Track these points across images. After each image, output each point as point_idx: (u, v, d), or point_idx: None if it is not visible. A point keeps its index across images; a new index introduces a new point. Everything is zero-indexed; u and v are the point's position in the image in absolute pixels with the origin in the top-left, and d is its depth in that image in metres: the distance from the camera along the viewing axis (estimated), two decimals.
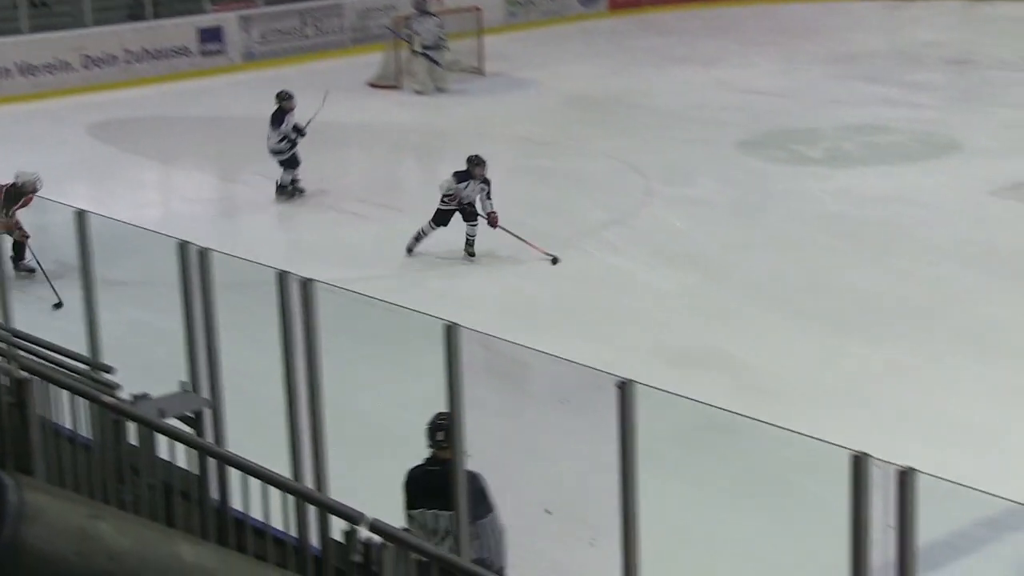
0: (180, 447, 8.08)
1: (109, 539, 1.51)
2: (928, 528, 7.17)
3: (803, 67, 31.56)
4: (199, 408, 8.93)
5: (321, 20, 34.05)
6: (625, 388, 7.63)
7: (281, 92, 21.78)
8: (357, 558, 7.32)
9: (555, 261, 17.97)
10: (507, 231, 18.01)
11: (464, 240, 18.62)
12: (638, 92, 29.01)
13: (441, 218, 18.52)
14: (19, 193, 17.22)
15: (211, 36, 32.44)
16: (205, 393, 9.05)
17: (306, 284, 8.37)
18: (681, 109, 27.45)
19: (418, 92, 29.12)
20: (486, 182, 18.48)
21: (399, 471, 9.21)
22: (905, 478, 6.80)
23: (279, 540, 8.00)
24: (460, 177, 18.36)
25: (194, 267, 8.81)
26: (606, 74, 30.81)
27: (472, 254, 18.62)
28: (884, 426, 13.00)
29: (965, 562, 9.88)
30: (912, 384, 14.71)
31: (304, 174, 21.91)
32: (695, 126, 25.95)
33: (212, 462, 8.34)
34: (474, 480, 8.46)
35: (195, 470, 8.32)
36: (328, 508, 7.88)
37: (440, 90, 28.99)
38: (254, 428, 9.06)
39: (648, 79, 30.21)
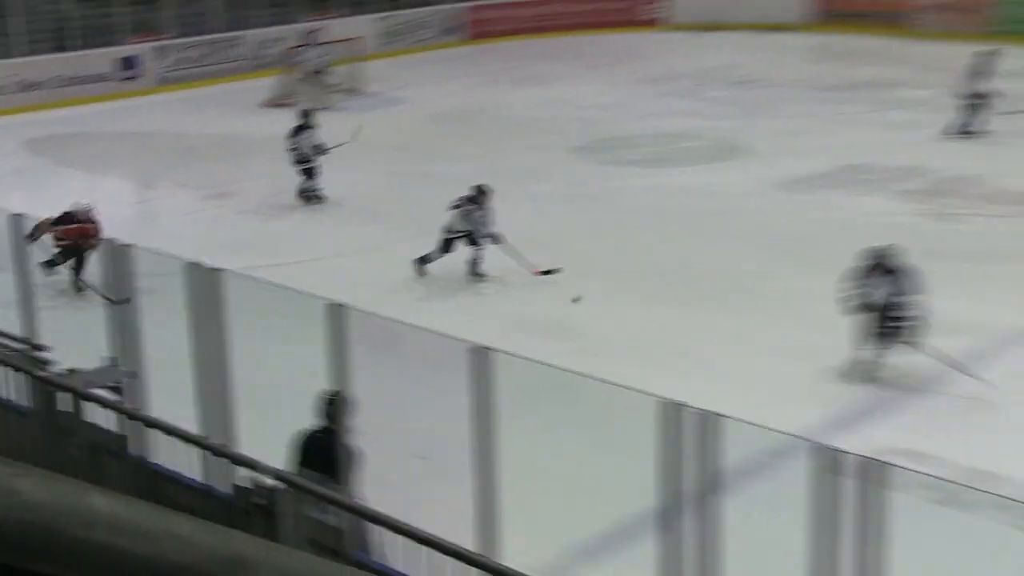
0: (106, 412, 8.05)
1: (27, 494, 1.43)
2: (729, 459, 7.22)
3: (625, 86, 31.80)
4: (122, 379, 8.85)
5: (224, 50, 33.93)
6: (479, 353, 7.61)
7: (306, 110, 21.83)
8: (260, 501, 7.25)
9: (550, 272, 17.08)
10: (522, 262, 17.11)
11: (471, 263, 17.38)
12: (492, 107, 29.10)
13: (447, 245, 17.37)
14: (69, 217, 16.60)
15: (129, 64, 32.34)
16: (128, 366, 8.98)
17: (214, 272, 8.35)
18: (527, 121, 27.56)
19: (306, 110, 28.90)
20: (487, 209, 17.44)
21: (290, 431, 9.17)
22: (706, 419, 6.84)
23: (194, 488, 7.91)
24: (469, 201, 17.43)
25: (117, 261, 8.76)
26: (466, 92, 30.83)
27: (480, 276, 17.34)
28: (693, 377, 13.11)
29: (754, 484, 9.97)
30: (714, 342, 14.91)
31: (213, 180, 21.82)
32: (539, 135, 25.99)
33: (134, 424, 8.31)
34: (348, 448, 8.49)
35: (120, 431, 8.28)
36: (234, 459, 7.79)
37: (326, 107, 28.83)
38: (174, 395, 8.96)
39: (500, 96, 30.26)
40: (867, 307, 13.45)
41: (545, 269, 17.06)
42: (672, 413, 6.85)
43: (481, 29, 38.72)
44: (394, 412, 9.94)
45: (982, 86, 25.35)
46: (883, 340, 13.44)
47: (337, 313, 7.57)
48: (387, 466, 9.16)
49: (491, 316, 15.68)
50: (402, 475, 9.97)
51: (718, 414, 6.86)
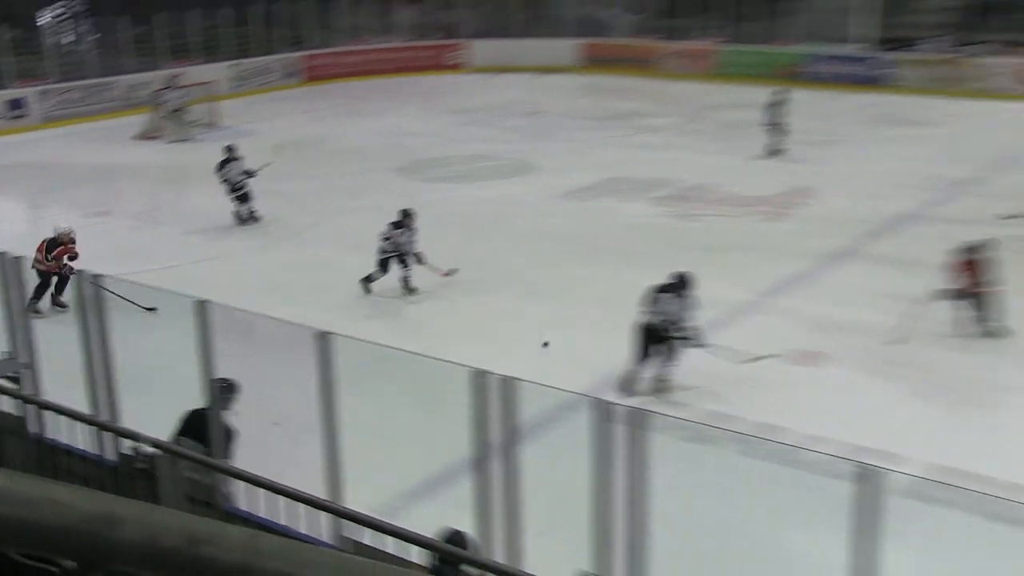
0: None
1: None
2: (527, 415, 7.24)
3: (435, 118, 31.76)
4: (19, 370, 8.64)
5: (100, 92, 33.01)
6: (322, 337, 7.52)
7: (230, 146, 20.61)
8: (142, 466, 7.08)
9: (450, 273, 16.44)
10: (428, 265, 16.30)
11: (403, 280, 16.37)
12: (326, 136, 28.81)
13: (383, 264, 16.26)
14: (57, 242, 15.69)
15: (16, 105, 31.21)
16: (24, 358, 8.75)
17: (96, 278, 8.20)
18: (356, 147, 27.33)
19: (171, 141, 28.51)
20: (413, 230, 16.34)
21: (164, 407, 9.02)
22: (507, 384, 6.85)
23: (86, 458, 7.73)
24: (396, 226, 16.33)
25: (11, 271, 8.55)
26: (304, 125, 30.48)
27: (412, 290, 16.34)
28: (500, 351, 13.15)
29: (546, 433, 10.01)
30: (516, 319, 15.01)
31: (94, 200, 21.25)
32: (367, 159, 25.80)
33: (31, 408, 8.15)
34: (227, 426, 8.48)
35: (19, 414, 8.14)
36: (119, 432, 7.63)
37: (185, 139, 28.45)
38: (66, 381, 8.74)
39: (333, 128, 30.00)
40: (655, 325, 12.79)
41: (448, 271, 16.50)
42: (480, 380, 6.85)
43: (315, 73, 38.37)
44: (252, 388, 9.76)
45: (777, 116, 25.92)
46: (668, 352, 12.84)
47: (202, 308, 7.46)
48: (250, 433, 9.01)
49: (328, 305, 15.53)
50: (263, 440, 9.79)
51: (516, 378, 6.87)
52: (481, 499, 7.19)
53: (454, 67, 40.38)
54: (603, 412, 6.64)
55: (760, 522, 10.08)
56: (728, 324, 14.62)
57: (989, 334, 14.00)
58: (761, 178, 23.66)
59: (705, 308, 15.22)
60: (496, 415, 7.03)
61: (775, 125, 25.81)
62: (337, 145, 27.97)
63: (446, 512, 7.93)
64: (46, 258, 15.53)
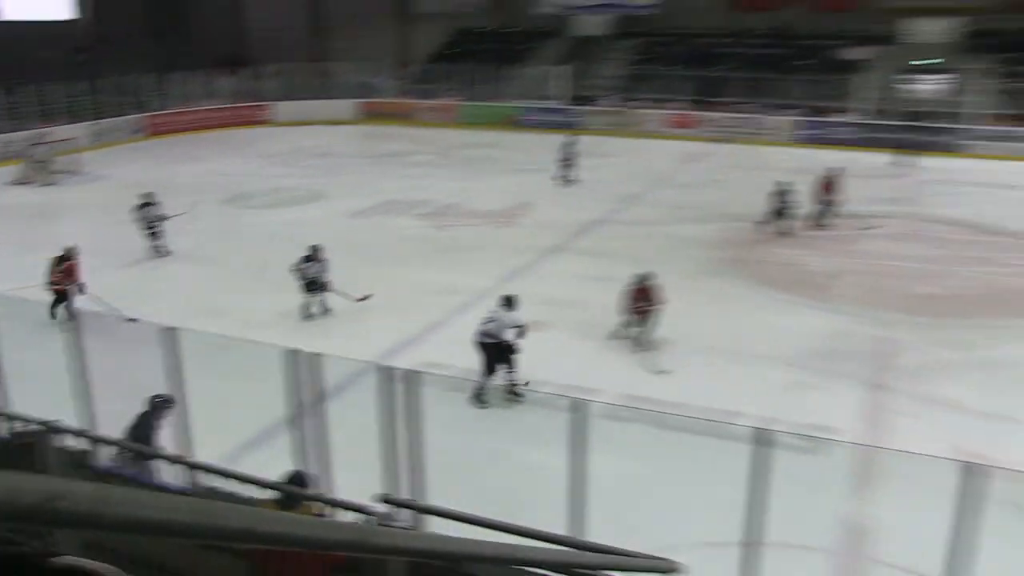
0: None
1: None
2: (330, 380, 7.15)
3: (249, 160, 30.55)
4: None
5: None
6: (167, 332, 7.26)
7: (148, 193, 18.30)
8: (29, 440, 6.67)
9: (364, 298, 14.69)
10: (338, 292, 14.49)
11: (320, 306, 14.55)
12: (165, 177, 27.36)
13: (308, 288, 14.31)
14: (63, 258, 14.08)
15: None
16: None
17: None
18: (189, 184, 25.98)
19: (40, 185, 26.48)
20: (323, 261, 14.43)
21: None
22: (312, 357, 6.79)
23: None
24: (306, 260, 14.34)
25: None
26: (148, 170, 28.75)
27: (327, 310, 14.57)
28: (312, 336, 12.86)
29: (346, 394, 9.86)
30: (325, 312, 14.65)
31: None
32: (197, 192, 24.58)
33: None
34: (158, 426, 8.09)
35: None
36: (7, 415, 7.18)
37: (52, 184, 26.64)
38: None
39: (171, 171, 28.50)
40: (491, 340, 11.36)
41: (362, 296, 14.73)
42: (291, 356, 6.77)
43: (157, 129, 36.41)
44: (113, 377, 9.28)
45: (569, 156, 25.91)
46: (508, 361, 11.40)
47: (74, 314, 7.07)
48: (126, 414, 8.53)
49: (174, 306, 14.83)
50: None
51: (318, 353, 6.82)
52: (297, 447, 7.11)
53: (263, 122, 39.26)
54: (385, 374, 6.66)
55: (505, 444, 10.28)
56: (475, 305, 14.80)
57: (645, 344, 13.13)
58: (494, 197, 24.01)
59: (460, 294, 15.40)
60: (306, 380, 6.96)
61: (566, 162, 25.89)
62: (173, 183, 26.66)
63: (277, 456, 7.78)
64: (55, 271, 14.06)
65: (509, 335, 11.20)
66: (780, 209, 19.83)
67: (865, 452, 9.84)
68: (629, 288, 13.24)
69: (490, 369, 11.30)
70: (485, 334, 11.29)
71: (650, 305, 13.09)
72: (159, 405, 8.13)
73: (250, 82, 40.24)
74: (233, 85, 40.01)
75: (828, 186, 20.79)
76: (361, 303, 14.66)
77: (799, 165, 29.78)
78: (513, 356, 11.34)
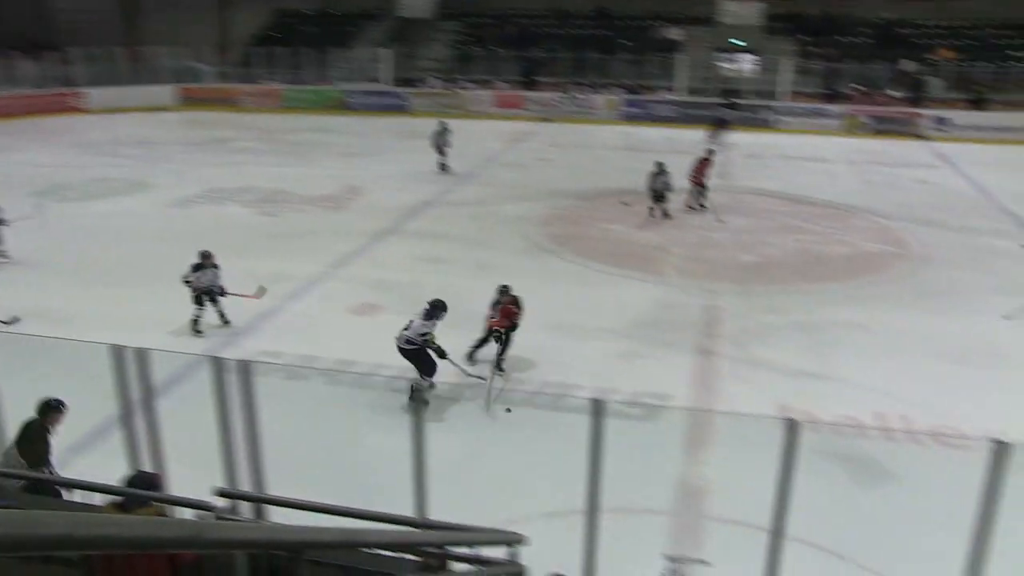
0: None
1: None
2: (159, 376, 6.84)
3: (64, 151, 28.64)
4: None
5: None
6: (120, 350, 6.81)
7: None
8: None
9: (259, 294, 13.48)
10: (234, 294, 13.07)
11: (219, 314, 13.12)
12: None
13: (197, 299, 12.76)
14: None
15: None
16: None
17: None
18: (3, 176, 24.42)
19: None
20: (215, 267, 13.00)
21: None
22: (141, 352, 6.48)
23: None
24: (196, 268, 12.89)
25: None
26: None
27: (227, 322, 13.13)
28: (137, 329, 12.31)
29: (179, 387, 9.50)
30: (154, 303, 14.01)
31: None
32: (10, 186, 22.79)
33: None
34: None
35: None
36: None
37: None
38: None
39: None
40: (414, 344, 10.55)
41: (257, 291, 13.49)
42: (119, 352, 6.46)
43: None
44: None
45: (441, 142, 25.08)
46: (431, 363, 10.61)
47: None
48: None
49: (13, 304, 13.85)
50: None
51: (147, 348, 6.53)
52: (130, 444, 6.80)
53: (75, 109, 37.03)
54: (218, 366, 6.43)
55: (347, 431, 10.13)
56: (307, 291, 14.53)
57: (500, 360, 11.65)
58: (322, 182, 23.57)
59: (290, 280, 15.05)
60: (136, 377, 6.65)
61: (440, 148, 25.21)
62: None
63: (110, 457, 7.38)
64: None
65: (419, 340, 10.51)
66: (659, 190, 19.95)
67: (696, 416, 10.23)
68: (501, 301, 11.96)
69: (428, 372, 10.57)
70: (405, 340, 10.60)
71: (517, 316, 11.86)
72: (47, 410, 7.71)
73: (57, 67, 37.90)
74: (38, 71, 37.58)
75: (702, 167, 20.91)
76: (258, 299, 13.53)
77: (624, 142, 30.65)
78: (429, 359, 10.56)
